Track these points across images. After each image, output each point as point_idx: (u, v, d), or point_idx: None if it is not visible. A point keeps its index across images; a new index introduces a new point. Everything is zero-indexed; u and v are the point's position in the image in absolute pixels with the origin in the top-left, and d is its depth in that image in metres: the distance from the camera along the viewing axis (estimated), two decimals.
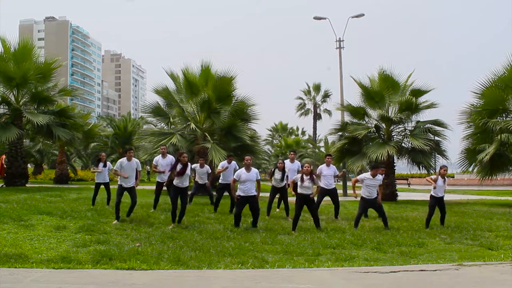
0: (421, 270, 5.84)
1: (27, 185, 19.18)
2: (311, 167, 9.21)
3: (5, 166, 19.28)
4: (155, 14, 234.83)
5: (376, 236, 8.34)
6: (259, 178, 9.37)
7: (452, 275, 5.62)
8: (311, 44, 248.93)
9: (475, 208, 13.70)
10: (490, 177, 16.57)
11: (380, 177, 9.41)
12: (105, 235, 7.82)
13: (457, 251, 7.28)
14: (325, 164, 11.03)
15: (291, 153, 12.57)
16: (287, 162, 11.79)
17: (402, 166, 19.49)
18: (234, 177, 9.30)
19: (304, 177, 8.87)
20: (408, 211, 12.99)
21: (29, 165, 28.89)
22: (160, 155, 11.82)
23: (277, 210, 12.04)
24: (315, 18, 24.35)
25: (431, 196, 9.80)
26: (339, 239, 8.03)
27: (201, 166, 12.42)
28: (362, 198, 9.42)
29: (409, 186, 32.17)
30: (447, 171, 9.95)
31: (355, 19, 24.20)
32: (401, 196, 18.51)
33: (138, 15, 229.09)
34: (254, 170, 9.29)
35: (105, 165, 12.23)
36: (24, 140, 21.82)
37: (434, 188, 9.66)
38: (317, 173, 10.74)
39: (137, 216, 9.99)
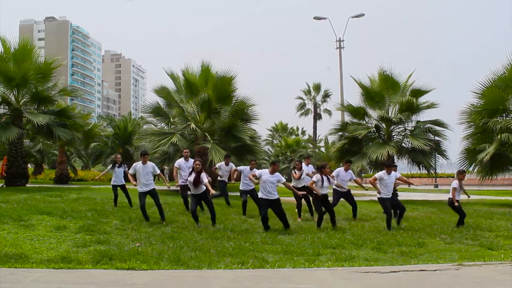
0: (421, 270, 5.84)
1: (27, 185, 19.16)
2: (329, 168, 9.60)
3: (5, 167, 19.26)
4: (155, 14, 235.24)
5: (376, 236, 8.34)
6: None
7: (452, 275, 5.62)
8: (311, 44, 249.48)
9: (475, 208, 13.69)
10: (490, 177, 16.58)
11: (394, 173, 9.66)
12: (105, 235, 7.82)
13: (457, 251, 7.28)
14: (343, 168, 11.16)
15: (308, 158, 12.93)
16: (303, 164, 11.82)
17: (402, 166, 19.47)
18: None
19: (324, 178, 9.21)
20: (408, 211, 12.97)
21: (29, 165, 28.88)
22: (183, 158, 12.02)
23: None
24: (315, 18, 24.41)
25: (454, 200, 9.64)
26: (339, 239, 8.03)
27: (226, 164, 12.85)
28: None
29: (409, 186, 32.12)
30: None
31: (355, 19, 24.29)
32: (401, 196, 18.47)
33: (138, 15, 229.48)
34: (276, 174, 9.20)
35: (120, 167, 12.26)
36: (24, 140, 21.80)
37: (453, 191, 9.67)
38: (333, 175, 10.86)
39: (137, 216, 9.98)
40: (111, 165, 12.60)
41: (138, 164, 9.68)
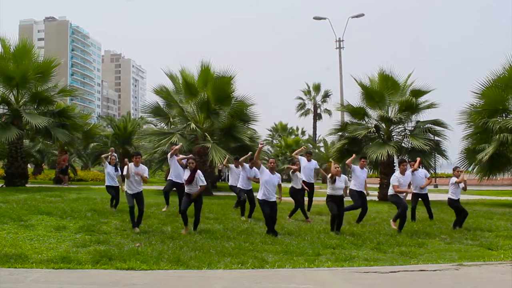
0: (421, 270, 5.84)
1: (27, 185, 19.15)
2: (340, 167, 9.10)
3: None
4: (155, 14, 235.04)
5: (376, 236, 8.35)
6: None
7: (452, 275, 5.62)
8: (311, 44, 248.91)
9: (475, 208, 13.69)
10: (488, 177, 16.61)
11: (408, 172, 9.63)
12: (105, 235, 7.82)
13: (457, 251, 7.28)
14: (359, 166, 10.61)
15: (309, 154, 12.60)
16: (304, 159, 11.80)
17: None
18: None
19: (337, 178, 8.80)
20: (408, 211, 12.96)
21: (29, 165, 28.85)
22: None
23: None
24: (315, 18, 24.42)
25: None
26: (339, 239, 8.03)
27: (236, 166, 11.73)
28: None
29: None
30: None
31: (355, 19, 24.28)
32: None
33: (138, 15, 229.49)
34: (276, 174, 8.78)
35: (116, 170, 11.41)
36: (24, 140, 21.79)
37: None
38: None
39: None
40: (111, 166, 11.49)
41: (131, 167, 8.68)
